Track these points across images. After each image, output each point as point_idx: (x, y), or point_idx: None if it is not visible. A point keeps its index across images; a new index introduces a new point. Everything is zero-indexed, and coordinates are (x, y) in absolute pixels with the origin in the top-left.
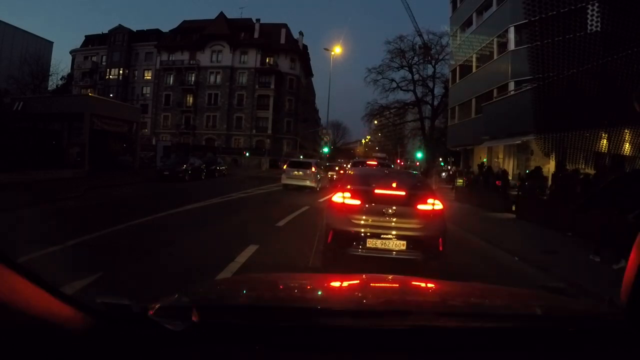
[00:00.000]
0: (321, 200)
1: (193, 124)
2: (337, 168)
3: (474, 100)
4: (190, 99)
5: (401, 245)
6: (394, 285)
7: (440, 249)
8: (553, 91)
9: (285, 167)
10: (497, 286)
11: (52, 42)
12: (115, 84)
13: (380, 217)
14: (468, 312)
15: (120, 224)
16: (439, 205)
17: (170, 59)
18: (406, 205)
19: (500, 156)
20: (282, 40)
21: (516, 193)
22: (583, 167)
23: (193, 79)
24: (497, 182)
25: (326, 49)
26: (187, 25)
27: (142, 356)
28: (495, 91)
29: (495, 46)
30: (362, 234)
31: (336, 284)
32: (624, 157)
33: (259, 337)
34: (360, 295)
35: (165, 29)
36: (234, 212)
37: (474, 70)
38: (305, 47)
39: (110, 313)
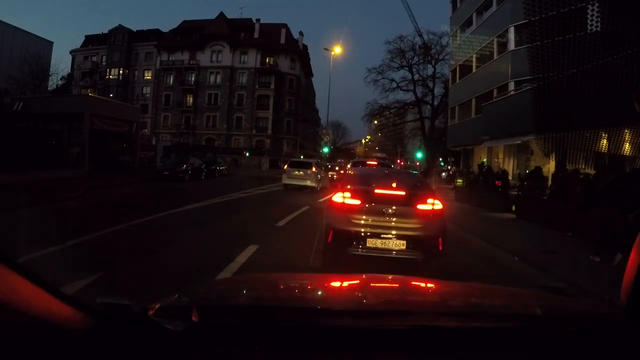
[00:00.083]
0: (321, 200)
1: (193, 124)
2: (337, 168)
3: (474, 100)
4: (190, 99)
5: (401, 245)
6: (394, 285)
7: (440, 248)
8: (553, 91)
9: (286, 167)
10: (497, 286)
11: (52, 42)
12: (115, 84)
13: (380, 216)
14: (468, 312)
15: (120, 224)
16: (438, 205)
17: (170, 59)
18: (406, 205)
19: (500, 156)
20: (282, 40)
21: (516, 193)
22: (583, 167)
23: (193, 79)
24: (496, 182)
25: (326, 49)
26: (187, 25)
27: (142, 356)
28: (495, 91)
29: (495, 46)
30: (362, 234)
31: (336, 284)
32: (624, 157)
33: (259, 337)
34: (360, 295)
35: (165, 29)
36: (234, 212)
37: (474, 70)
38: (305, 47)
39: (110, 313)
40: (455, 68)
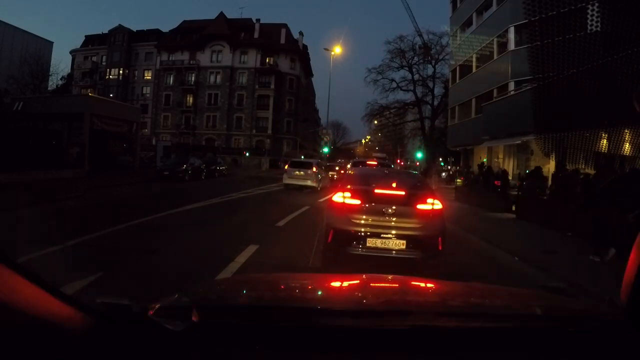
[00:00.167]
0: (321, 200)
1: (193, 124)
2: (337, 168)
3: (474, 100)
4: (190, 99)
5: (401, 244)
6: (394, 285)
7: (440, 248)
8: (553, 91)
9: (286, 167)
10: (497, 286)
11: (52, 42)
12: (115, 84)
13: (380, 216)
14: (468, 312)
15: (120, 224)
16: (438, 205)
17: (170, 59)
18: (406, 205)
19: (500, 156)
20: (282, 40)
21: (516, 193)
22: (583, 167)
23: (193, 79)
24: (495, 182)
25: (326, 49)
26: (187, 25)
27: (142, 356)
28: (495, 91)
29: (495, 46)
30: (362, 234)
31: (336, 284)
32: (624, 157)
33: (259, 337)
34: (360, 295)
35: (165, 29)
36: (234, 212)
37: (474, 70)
38: (305, 47)
39: (110, 313)
40: (455, 68)
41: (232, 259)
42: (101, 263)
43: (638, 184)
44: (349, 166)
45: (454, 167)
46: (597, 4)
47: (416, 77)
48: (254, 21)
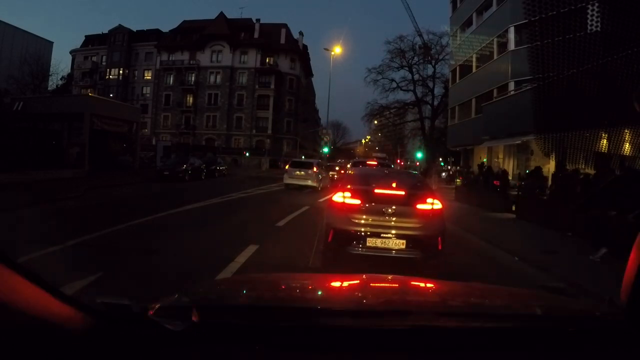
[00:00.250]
0: (321, 200)
1: (193, 124)
2: (337, 168)
3: (474, 100)
4: (190, 99)
5: (401, 244)
6: (394, 285)
7: (440, 247)
8: (553, 91)
9: (287, 167)
10: (497, 286)
11: (52, 42)
12: (115, 84)
13: (380, 216)
14: (468, 312)
15: (120, 224)
16: (438, 205)
17: (170, 59)
18: (406, 205)
19: (500, 156)
20: (282, 40)
21: (516, 193)
22: (583, 167)
23: (193, 79)
24: (495, 182)
25: (326, 49)
26: (187, 25)
27: (142, 356)
28: (495, 91)
29: (495, 46)
30: (362, 233)
31: (336, 284)
32: (624, 157)
33: (259, 337)
34: (360, 295)
35: (165, 29)
36: (234, 212)
37: (474, 70)
38: (305, 47)
39: (110, 313)
40: (455, 68)
41: (232, 259)
42: (101, 263)
43: (638, 184)
44: (349, 166)
45: (454, 167)
46: (597, 4)
47: (416, 77)
48: (254, 21)
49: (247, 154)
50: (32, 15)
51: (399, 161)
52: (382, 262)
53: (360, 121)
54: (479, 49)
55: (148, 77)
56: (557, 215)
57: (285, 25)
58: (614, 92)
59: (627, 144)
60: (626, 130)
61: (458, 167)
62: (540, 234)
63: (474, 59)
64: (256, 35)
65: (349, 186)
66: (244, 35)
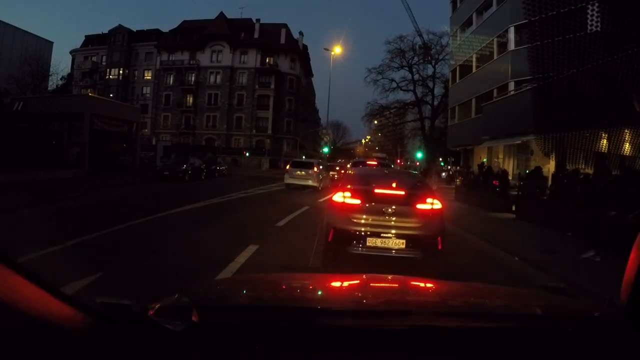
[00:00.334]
0: (321, 200)
1: (193, 124)
2: (337, 168)
3: (474, 100)
4: (190, 99)
5: (400, 243)
6: (394, 285)
7: (439, 247)
8: (553, 91)
9: (288, 167)
10: (497, 286)
11: (52, 42)
12: (115, 84)
13: (380, 216)
14: (468, 312)
15: (120, 224)
16: (437, 205)
17: (170, 59)
18: (405, 205)
19: (500, 156)
20: (282, 40)
21: (516, 193)
22: (583, 167)
23: (193, 79)
24: (494, 182)
25: (326, 49)
26: (187, 25)
27: (142, 356)
28: (495, 91)
29: (495, 46)
30: (362, 233)
31: (336, 284)
32: (623, 157)
33: (259, 337)
34: (360, 295)
35: (165, 29)
36: (234, 212)
37: (474, 70)
38: (305, 47)
39: (110, 313)
40: (455, 68)
41: (232, 259)
42: (101, 263)
43: (638, 184)
44: (349, 166)
45: (454, 167)
46: (597, 4)
47: (416, 77)
48: (254, 21)
49: (247, 154)
50: (32, 15)
51: (399, 161)
52: (382, 262)
53: (360, 121)
54: (479, 49)
55: (148, 77)
56: (557, 215)
57: (285, 25)
58: (614, 92)
59: (627, 144)
60: (626, 130)
61: (458, 167)
62: (540, 234)
63: (474, 59)
64: (256, 35)
65: (349, 186)
66: (244, 35)
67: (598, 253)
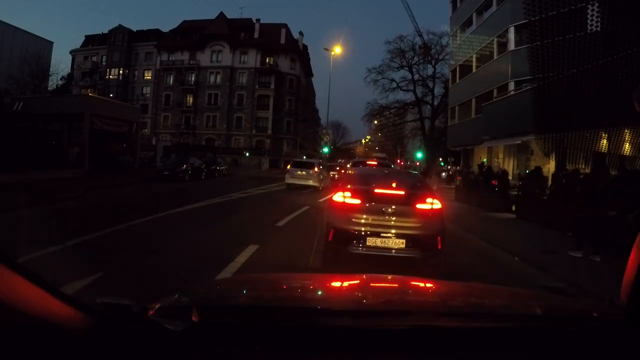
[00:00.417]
0: (321, 200)
1: (193, 124)
2: (337, 168)
3: (474, 100)
4: (190, 99)
5: (400, 243)
6: (394, 285)
7: (439, 247)
8: (553, 91)
9: (289, 167)
10: (497, 286)
11: (52, 42)
12: (115, 84)
13: (380, 216)
14: (468, 312)
15: (120, 224)
16: (437, 205)
17: (170, 59)
18: (405, 205)
19: (500, 156)
20: (282, 40)
21: (516, 193)
22: (583, 167)
23: (193, 79)
24: (493, 182)
25: (326, 49)
26: (187, 25)
27: (142, 356)
28: (495, 91)
29: (495, 46)
30: (362, 233)
31: (336, 284)
32: (623, 157)
33: (259, 337)
34: (360, 295)
35: (165, 29)
36: (234, 212)
37: (474, 70)
38: (305, 47)
39: (110, 313)
40: (455, 68)
41: (232, 259)
42: (101, 263)
43: (638, 184)
44: (349, 166)
45: (454, 167)
46: (597, 4)
47: (416, 77)
48: (254, 21)
49: (247, 154)
50: (32, 15)
51: (399, 161)
52: (382, 262)
53: (360, 121)
54: (479, 49)
55: (148, 77)
56: (557, 215)
57: (285, 25)
58: (614, 92)
59: (627, 144)
60: (626, 130)
61: (458, 167)
62: (540, 234)
63: (474, 59)
64: (256, 35)
65: (349, 186)
66: (244, 35)
67: (586, 254)
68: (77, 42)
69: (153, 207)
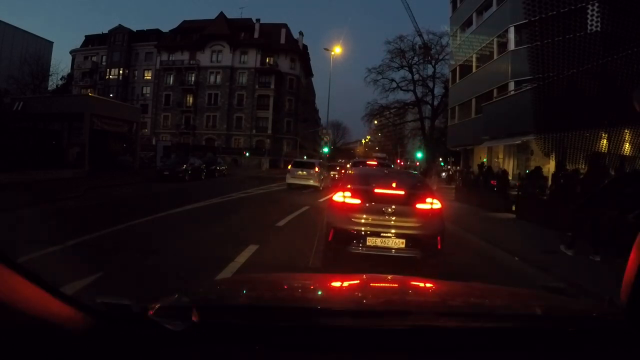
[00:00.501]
0: (321, 200)
1: (193, 124)
2: (337, 168)
3: (474, 100)
4: (190, 99)
5: (400, 243)
6: (393, 285)
7: (439, 247)
8: (553, 91)
9: (290, 167)
10: (497, 286)
11: (52, 42)
12: (115, 84)
13: (380, 215)
14: (468, 312)
15: (120, 224)
16: (437, 205)
17: (170, 59)
18: (405, 205)
19: (500, 156)
20: (282, 40)
21: (516, 193)
22: (583, 167)
23: (193, 79)
24: (492, 182)
25: (326, 49)
26: (187, 25)
27: (142, 356)
28: (495, 91)
29: (495, 46)
30: (362, 232)
31: (336, 284)
32: (624, 157)
33: (259, 337)
34: (360, 295)
35: (165, 29)
36: (234, 212)
37: (474, 70)
38: (305, 47)
39: (110, 313)
40: (455, 68)
41: (232, 259)
42: (101, 263)
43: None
44: (348, 166)
45: (454, 167)
46: (597, 4)
47: (416, 77)
48: (254, 21)
49: (247, 154)
50: (32, 15)
51: (399, 161)
52: (382, 262)
53: (360, 121)
54: (479, 49)
55: (148, 77)
56: (557, 215)
57: (285, 25)
58: (614, 92)
59: (627, 144)
60: (626, 130)
61: (458, 167)
62: (540, 234)
63: (474, 59)
64: (256, 35)
65: (349, 186)
66: (244, 35)
67: (579, 252)
68: (77, 42)
69: (153, 207)
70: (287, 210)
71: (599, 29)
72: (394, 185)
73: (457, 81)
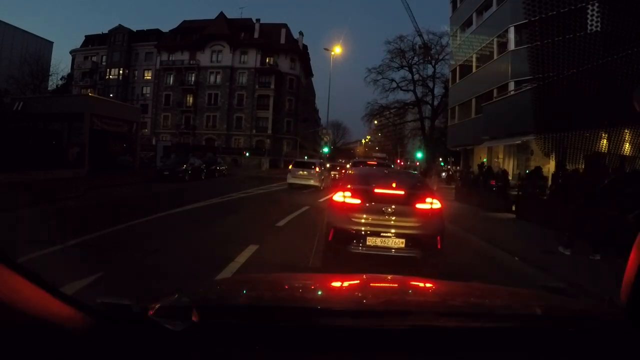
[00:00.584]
0: (321, 200)
1: (193, 124)
2: (338, 168)
3: (474, 100)
4: (190, 99)
5: (400, 243)
6: (393, 285)
7: (439, 247)
8: (553, 91)
9: (290, 167)
10: (497, 286)
11: (52, 42)
12: (115, 84)
13: (380, 215)
14: (468, 312)
15: (120, 224)
16: (437, 205)
17: (170, 59)
18: (405, 204)
19: (500, 156)
20: (282, 40)
21: (516, 193)
22: (582, 167)
23: (193, 79)
24: (491, 182)
25: (326, 49)
26: (187, 25)
27: (142, 356)
28: (495, 91)
29: (495, 46)
30: (362, 232)
31: (336, 284)
32: (624, 157)
33: (259, 337)
34: (360, 295)
35: (165, 29)
36: (234, 212)
37: (474, 70)
38: (305, 47)
39: (110, 313)
40: (455, 68)
41: (232, 259)
42: (101, 263)
43: (638, 184)
44: (348, 166)
45: (453, 167)
46: (597, 4)
47: (416, 77)
48: (254, 21)
49: (247, 154)
50: (32, 15)
51: (399, 161)
52: (382, 262)
53: (360, 121)
54: (479, 49)
55: (148, 77)
56: (557, 215)
57: (285, 25)
58: (614, 92)
59: (627, 144)
60: (626, 130)
61: (458, 167)
62: (540, 234)
63: (474, 59)
64: (256, 35)
65: (349, 186)
66: (244, 35)
67: (574, 252)
68: (77, 42)
69: (153, 207)
70: (287, 210)
71: (599, 29)
72: (394, 185)
73: (457, 81)
